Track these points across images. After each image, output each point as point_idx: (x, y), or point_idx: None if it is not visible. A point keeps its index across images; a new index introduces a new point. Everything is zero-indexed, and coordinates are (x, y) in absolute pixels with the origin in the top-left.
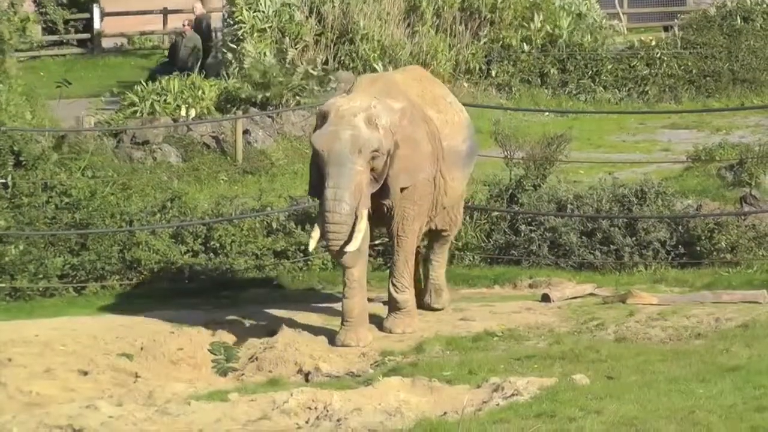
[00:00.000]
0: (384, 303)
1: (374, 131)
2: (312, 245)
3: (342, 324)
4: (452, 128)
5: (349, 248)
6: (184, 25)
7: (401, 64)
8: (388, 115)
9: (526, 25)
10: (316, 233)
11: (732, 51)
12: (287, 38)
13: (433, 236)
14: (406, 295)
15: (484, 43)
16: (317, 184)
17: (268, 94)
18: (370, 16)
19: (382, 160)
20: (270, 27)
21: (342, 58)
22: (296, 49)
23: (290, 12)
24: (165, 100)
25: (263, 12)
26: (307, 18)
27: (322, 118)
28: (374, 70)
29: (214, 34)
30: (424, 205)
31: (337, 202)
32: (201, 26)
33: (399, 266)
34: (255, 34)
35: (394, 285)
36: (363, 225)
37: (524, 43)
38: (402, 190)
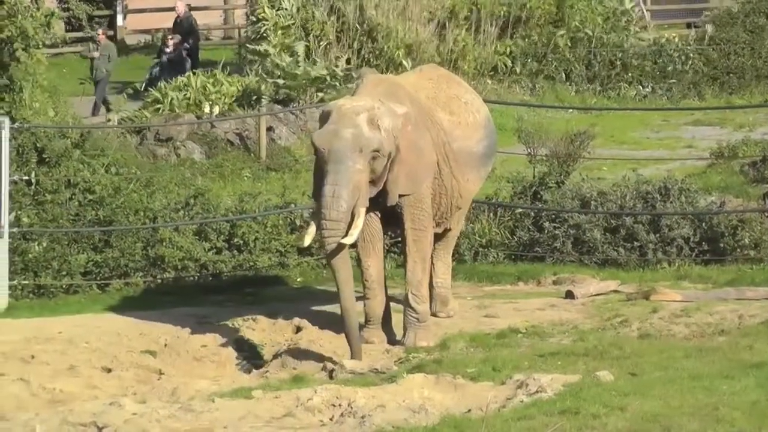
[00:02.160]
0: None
1: (376, 132)
2: (307, 241)
3: (366, 323)
4: (465, 129)
5: (346, 241)
6: (99, 34)
7: (427, 61)
8: (391, 118)
9: (554, 22)
10: (312, 229)
11: (755, 48)
12: (311, 35)
13: (441, 238)
14: (427, 306)
15: (512, 40)
16: (319, 186)
17: (282, 82)
18: (390, 14)
19: (383, 162)
20: (293, 24)
21: (366, 56)
22: (319, 46)
23: (312, 9)
24: (186, 96)
25: (286, 9)
26: (328, 15)
27: (325, 118)
28: (401, 68)
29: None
30: (430, 212)
31: (335, 200)
32: (187, 26)
33: (418, 274)
34: (279, 32)
35: (414, 295)
36: (360, 222)
37: (550, 41)
38: (402, 196)
